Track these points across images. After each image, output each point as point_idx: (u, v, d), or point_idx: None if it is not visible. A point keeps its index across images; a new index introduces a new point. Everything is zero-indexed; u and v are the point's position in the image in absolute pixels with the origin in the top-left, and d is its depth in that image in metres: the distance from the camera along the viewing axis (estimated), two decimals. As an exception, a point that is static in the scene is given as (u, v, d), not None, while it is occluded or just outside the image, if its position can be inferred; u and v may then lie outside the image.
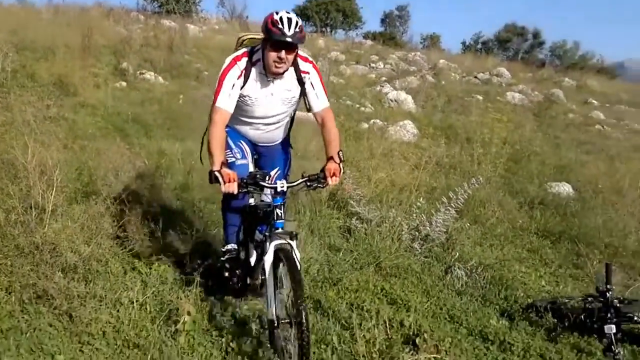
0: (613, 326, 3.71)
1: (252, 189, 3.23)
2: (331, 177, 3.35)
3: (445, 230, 5.28)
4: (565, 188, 7.57)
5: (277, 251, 3.13)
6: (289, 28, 3.15)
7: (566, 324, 4.00)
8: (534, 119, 12.08)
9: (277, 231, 3.19)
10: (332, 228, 5.35)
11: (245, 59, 3.39)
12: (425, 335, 3.52)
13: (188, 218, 5.11)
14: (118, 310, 3.47)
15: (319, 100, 3.56)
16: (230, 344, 3.31)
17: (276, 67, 3.29)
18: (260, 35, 3.42)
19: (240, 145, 3.68)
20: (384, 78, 16.12)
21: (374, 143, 7.93)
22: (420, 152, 6.83)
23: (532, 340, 3.83)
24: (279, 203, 3.23)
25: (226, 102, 3.35)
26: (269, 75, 3.39)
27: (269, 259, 3.16)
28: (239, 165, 3.56)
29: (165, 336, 3.30)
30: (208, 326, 3.50)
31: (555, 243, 5.86)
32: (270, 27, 3.18)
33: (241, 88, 3.39)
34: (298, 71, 3.48)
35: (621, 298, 4.10)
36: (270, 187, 3.23)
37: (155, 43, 13.68)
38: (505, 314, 4.22)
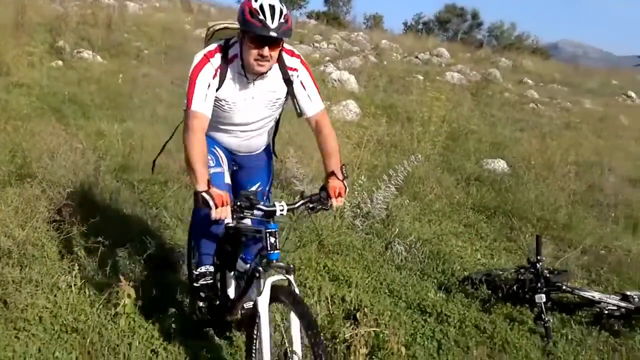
0: (543, 295, 3.91)
1: (248, 214, 2.63)
2: (336, 197, 2.79)
3: (385, 207, 5.40)
4: (500, 164, 7.85)
5: (274, 289, 2.60)
6: (272, 19, 2.56)
7: (500, 295, 4.18)
8: (471, 98, 12.39)
9: (272, 265, 2.62)
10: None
11: (218, 55, 2.80)
12: (366, 309, 3.61)
13: (128, 200, 5.01)
14: (55, 295, 3.38)
15: (312, 103, 2.98)
16: (173, 325, 3.30)
17: (258, 65, 2.71)
18: (236, 26, 2.86)
19: (214, 151, 3.08)
20: (327, 58, 16.13)
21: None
22: (362, 131, 6.88)
23: (467, 311, 3.98)
24: (274, 229, 2.63)
25: (203, 105, 2.75)
26: (249, 75, 2.82)
27: (264, 300, 2.58)
28: (212, 175, 2.81)
29: (105, 319, 3.25)
30: (150, 308, 3.47)
31: (490, 217, 6.09)
32: (248, 18, 2.58)
33: (217, 90, 2.81)
34: (284, 68, 2.90)
35: (551, 269, 4.33)
36: (269, 211, 2.61)
37: (93, 21, 13.20)
38: (443, 287, 4.37)
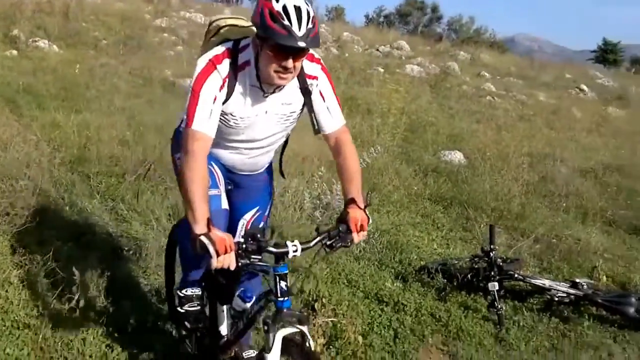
0: (496, 283, 4.01)
1: (256, 260, 2.16)
2: (358, 231, 2.33)
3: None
4: (457, 156, 7.99)
5: (285, 343, 2.20)
6: (300, 25, 2.09)
7: (455, 284, 4.28)
8: (430, 91, 12.56)
9: (283, 314, 2.19)
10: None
11: (227, 62, 2.32)
12: (324, 300, 3.65)
13: (83, 192, 4.92)
14: (7, 290, 3.31)
15: (332, 118, 2.53)
16: (131, 320, 3.27)
17: (279, 78, 2.25)
18: (246, 24, 2.51)
19: (211, 169, 2.59)
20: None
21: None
22: (322, 123, 6.92)
23: (423, 300, 4.07)
24: (284, 272, 2.21)
25: (206, 124, 2.28)
26: (265, 87, 2.35)
27: (274, 356, 2.18)
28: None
29: (58, 314, 3.20)
30: (105, 302, 3.42)
31: (447, 208, 6.21)
32: (269, 23, 2.10)
33: (223, 103, 2.35)
34: (302, 76, 2.43)
35: (504, 257, 4.44)
36: (279, 253, 2.17)
37: (49, 9, 12.84)
38: (400, 277, 4.44)
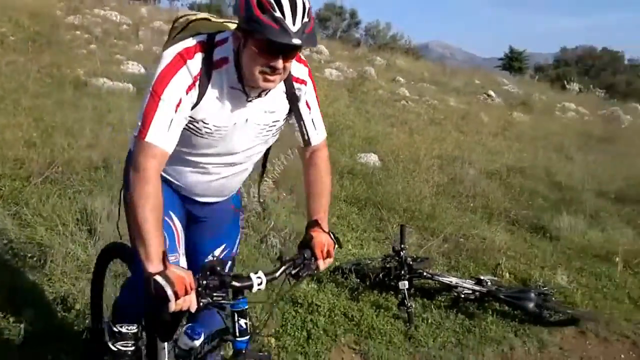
0: (406, 282, 4.13)
1: (219, 297, 1.85)
2: (324, 257, 2.09)
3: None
4: (372, 158, 8.17)
5: None
6: (294, 18, 1.75)
7: (368, 283, 4.38)
8: (348, 95, 12.75)
9: (243, 355, 1.92)
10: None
11: (199, 57, 1.91)
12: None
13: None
14: None
15: (316, 132, 2.22)
16: (32, 328, 3.11)
17: (265, 80, 1.87)
18: (222, 20, 2.15)
19: (168, 221, 2.16)
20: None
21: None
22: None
23: (337, 300, 4.13)
24: (244, 308, 1.93)
25: (165, 136, 1.87)
26: (248, 90, 1.97)
27: None
28: None
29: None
30: (3, 312, 3.23)
31: (361, 209, 6.33)
32: (258, 14, 1.73)
33: (192, 108, 1.94)
34: (289, 80, 2.07)
35: (414, 256, 4.59)
36: (243, 287, 1.89)
37: (-51, 3, 11.91)
38: (315, 278, 4.46)
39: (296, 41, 1.75)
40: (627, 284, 5.25)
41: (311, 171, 2.25)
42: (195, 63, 1.89)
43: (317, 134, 2.23)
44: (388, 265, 4.37)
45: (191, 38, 1.95)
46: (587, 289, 5.04)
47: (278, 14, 1.73)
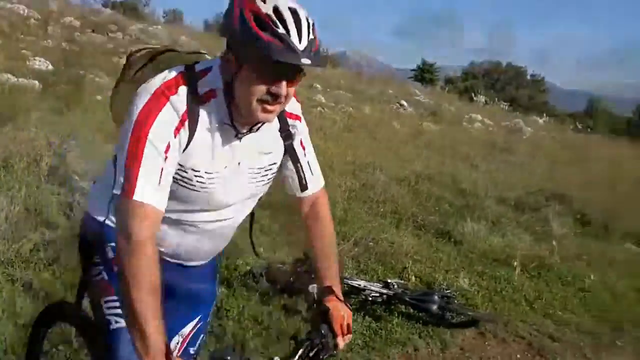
0: (315, 286, 4.18)
1: None
2: (344, 334, 1.83)
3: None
4: (287, 164, 8.21)
5: None
6: (300, 35, 1.48)
7: (278, 287, 4.40)
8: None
9: None
10: (52, 204, 4.97)
11: (184, 90, 1.59)
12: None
13: None
14: None
15: (313, 177, 1.96)
16: None
17: (263, 110, 1.57)
18: (186, 51, 1.89)
19: None
20: (122, 49, 15.28)
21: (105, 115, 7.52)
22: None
23: (247, 304, 4.12)
24: None
25: (155, 191, 1.55)
26: (238, 125, 1.66)
27: None
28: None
29: None
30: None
31: (274, 213, 6.34)
32: (256, 31, 1.46)
33: (180, 154, 1.63)
34: (283, 115, 1.78)
35: (324, 260, 4.66)
36: None
37: None
38: (225, 282, 4.44)
39: (305, 61, 1.47)
40: (524, 287, 5.59)
41: (315, 226, 2.00)
42: (180, 99, 1.57)
43: (314, 180, 1.96)
44: (299, 270, 4.40)
45: (166, 71, 1.63)
46: (487, 292, 5.32)
47: (281, 29, 1.46)
